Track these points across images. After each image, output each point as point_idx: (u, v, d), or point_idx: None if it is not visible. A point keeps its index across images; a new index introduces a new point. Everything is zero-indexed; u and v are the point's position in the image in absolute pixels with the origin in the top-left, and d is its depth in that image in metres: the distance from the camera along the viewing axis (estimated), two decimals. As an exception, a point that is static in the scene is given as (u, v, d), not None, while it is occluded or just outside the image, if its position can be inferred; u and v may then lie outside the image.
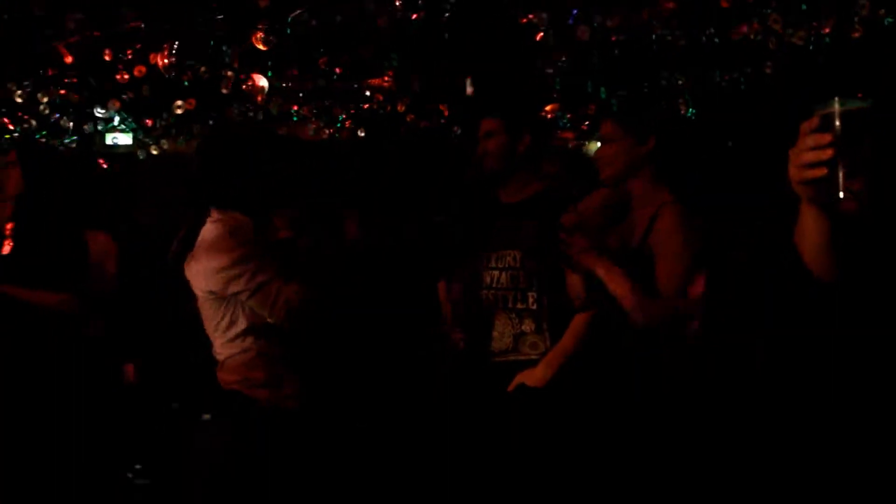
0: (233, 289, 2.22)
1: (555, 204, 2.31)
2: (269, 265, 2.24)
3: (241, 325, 2.27)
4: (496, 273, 2.52)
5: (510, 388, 2.44)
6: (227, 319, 2.27)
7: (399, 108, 7.07)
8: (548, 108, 7.10)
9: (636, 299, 1.97)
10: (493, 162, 2.54)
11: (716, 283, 2.01)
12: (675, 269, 1.98)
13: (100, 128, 7.07)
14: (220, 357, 2.33)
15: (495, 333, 2.51)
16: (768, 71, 5.87)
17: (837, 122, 1.15)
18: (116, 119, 6.95)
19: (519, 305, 2.49)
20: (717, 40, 5.47)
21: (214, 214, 2.31)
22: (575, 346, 2.33)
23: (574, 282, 2.33)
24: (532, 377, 2.41)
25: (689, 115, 6.66)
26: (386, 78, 6.80)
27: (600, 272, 2.03)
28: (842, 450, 2.90)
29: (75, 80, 5.85)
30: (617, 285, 2.00)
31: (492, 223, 2.57)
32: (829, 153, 1.15)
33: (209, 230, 2.26)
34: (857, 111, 1.16)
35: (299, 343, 2.25)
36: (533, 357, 2.45)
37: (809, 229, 1.28)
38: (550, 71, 6.05)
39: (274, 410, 2.24)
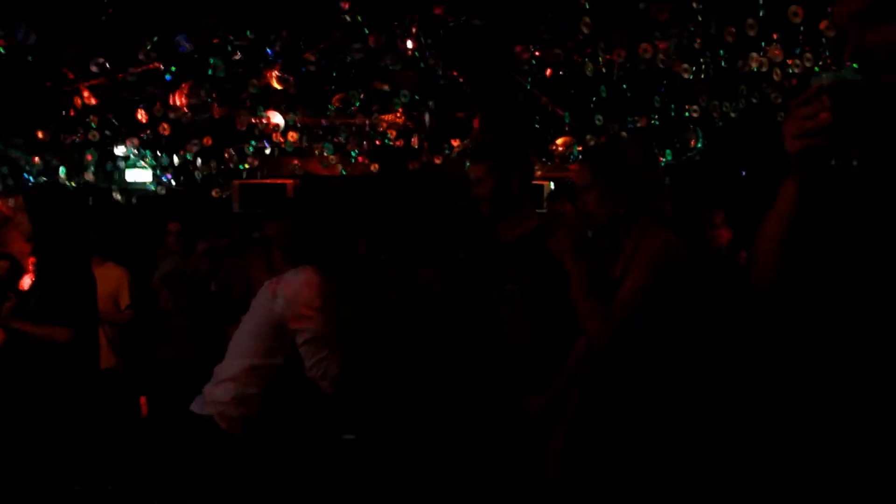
0: (301, 325, 2.33)
1: (550, 237, 2.34)
2: (333, 324, 2.38)
3: (278, 360, 2.36)
4: (498, 307, 2.56)
5: (511, 415, 2.47)
6: (269, 347, 2.37)
7: (413, 142, 7.20)
8: (559, 141, 7.17)
9: (580, 293, 2.04)
10: (489, 205, 2.60)
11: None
12: (629, 282, 2.00)
13: (119, 165, 7.24)
14: (225, 375, 2.39)
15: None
16: (777, 101, 5.91)
17: (831, 94, 1.16)
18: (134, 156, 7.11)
19: (519, 340, 2.52)
20: (722, 73, 5.53)
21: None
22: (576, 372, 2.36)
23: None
24: (534, 404, 2.44)
25: (698, 146, 6.70)
26: (398, 113, 6.93)
27: (567, 265, 2.10)
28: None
29: (96, 119, 6.01)
30: (573, 278, 2.07)
31: (492, 260, 2.62)
32: (822, 121, 1.16)
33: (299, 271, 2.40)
34: (851, 82, 1.17)
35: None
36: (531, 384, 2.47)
37: (781, 209, 1.28)
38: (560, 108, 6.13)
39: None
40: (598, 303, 2.03)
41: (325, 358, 2.34)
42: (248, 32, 5.22)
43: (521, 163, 2.69)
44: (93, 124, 5.99)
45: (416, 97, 6.30)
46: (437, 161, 7.29)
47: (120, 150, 6.90)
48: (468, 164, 2.75)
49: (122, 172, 7.58)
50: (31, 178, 6.69)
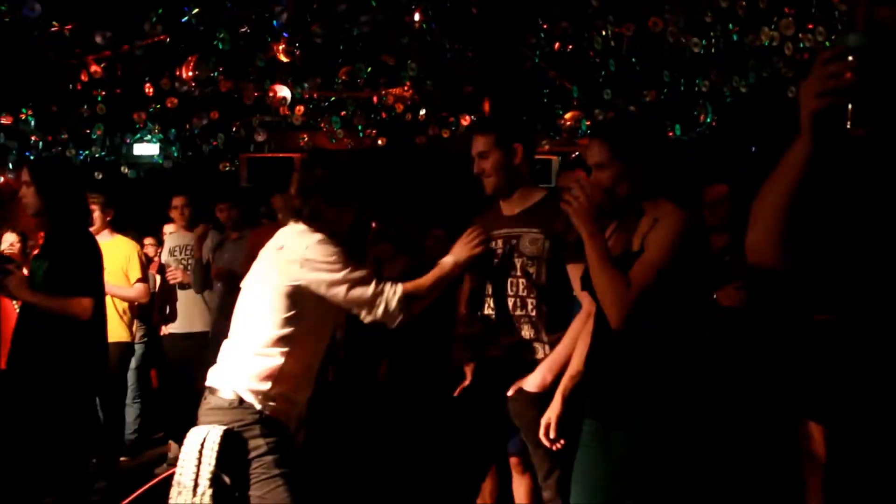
0: (327, 290, 2.24)
1: (555, 212, 2.33)
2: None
3: (302, 329, 2.27)
4: (500, 280, 2.58)
5: (510, 392, 2.49)
6: (287, 318, 2.26)
7: (420, 117, 7.16)
8: (567, 116, 7.13)
9: (599, 264, 2.00)
10: (493, 179, 2.59)
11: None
12: (648, 256, 1.97)
13: (127, 139, 7.25)
14: (245, 353, 2.28)
15: (496, 339, 2.56)
16: (789, 75, 5.84)
17: (858, 54, 1.14)
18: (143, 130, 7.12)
19: (518, 312, 2.55)
20: (734, 47, 5.46)
21: (298, 225, 2.36)
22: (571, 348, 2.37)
23: (575, 276, 2.37)
24: (531, 382, 2.45)
25: (708, 121, 6.64)
26: (406, 87, 6.90)
27: (584, 233, 2.05)
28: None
29: (104, 92, 6.01)
30: (590, 248, 2.03)
31: (493, 233, 2.61)
32: (846, 80, 1.15)
33: (303, 231, 2.32)
34: (876, 46, 1.15)
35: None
36: (530, 361, 2.49)
37: (785, 174, 1.26)
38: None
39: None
40: (620, 273, 1.99)
41: (376, 293, 2.27)
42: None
43: (524, 136, 2.68)
44: (99, 97, 5.98)
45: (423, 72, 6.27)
46: (445, 135, 7.27)
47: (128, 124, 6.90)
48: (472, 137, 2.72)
49: (130, 146, 7.59)
50: (35, 154, 6.71)
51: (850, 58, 1.15)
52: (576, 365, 2.34)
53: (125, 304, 4.64)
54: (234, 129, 6.87)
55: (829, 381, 2.95)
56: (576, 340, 2.40)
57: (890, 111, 1.20)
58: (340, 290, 2.28)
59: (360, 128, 7.17)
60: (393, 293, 2.31)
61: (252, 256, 2.49)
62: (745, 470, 3.40)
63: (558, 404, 2.35)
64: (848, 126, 1.17)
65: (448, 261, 2.49)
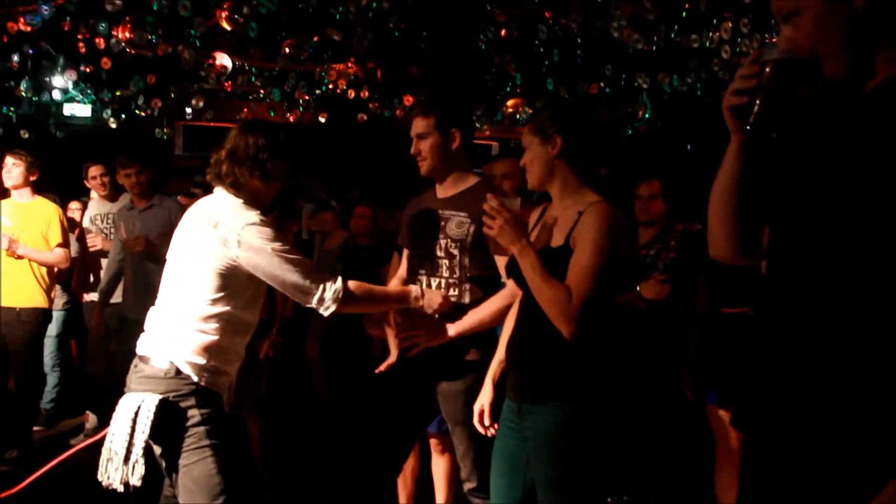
0: (264, 272, 2.24)
1: (484, 197, 2.35)
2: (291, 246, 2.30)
3: (234, 304, 2.26)
4: (426, 262, 2.60)
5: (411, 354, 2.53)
6: (220, 295, 2.24)
7: (362, 94, 7.09)
8: (510, 103, 7.17)
9: (537, 279, 2.03)
10: (429, 161, 2.60)
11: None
12: (583, 263, 2.01)
13: (57, 98, 6.97)
14: (177, 325, 2.25)
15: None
16: (724, 78, 6.00)
17: (771, 65, 1.25)
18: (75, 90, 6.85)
19: (443, 293, 2.54)
20: (674, 46, 5.58)
21: (222, 195, 2.34)
22: (490, 318, 2.43)
23: (500, 263, 2.40)
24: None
25: (646, 117, 6.78)
26: (350, 63, 6.82)
27: (514, 252, 2.09)
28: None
29: (32, 49, 5.76)
30: (525, 264, 2.06)
31: (425, 216, 2.63)
32: (752, 83, 1.26)
33: (237, 206, 2.30)
34: (797, 59, 1.26)
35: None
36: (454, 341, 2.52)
37: (727, 159, 1.35)
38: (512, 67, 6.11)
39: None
40: (559, 285, 2.03)
41: (314, 282, 2.27)
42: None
43: (464, 122, 2.69)
44: (27, 52, 5.73)
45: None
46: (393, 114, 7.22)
47: (58, 83, 6.62)
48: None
49: (60, 106, 7.30)
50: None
51: (767, 68, 1.26)
52: (504, 350, 2.37)
53: (44, 270, 4.47)
54: (170, 94, 6.68)
55: (736, 370, 3.09)
56: (495, 311, 2.44)
57: (793, 119, 1.29)
58: (277, 275, 2.27)
59: (300, 102, 7.06)
60: (331, 286, 2.31)
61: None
62: (657, 455, 3.52)
63: (489, 390, 2.38)
64: (749, 123, 1.28)
65: (410, 291, 2.52)
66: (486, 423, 2.37)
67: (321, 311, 2.33)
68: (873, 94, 1.25)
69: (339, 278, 2.34)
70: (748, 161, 1.34)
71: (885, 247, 1.17)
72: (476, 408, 2.40)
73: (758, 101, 1.26)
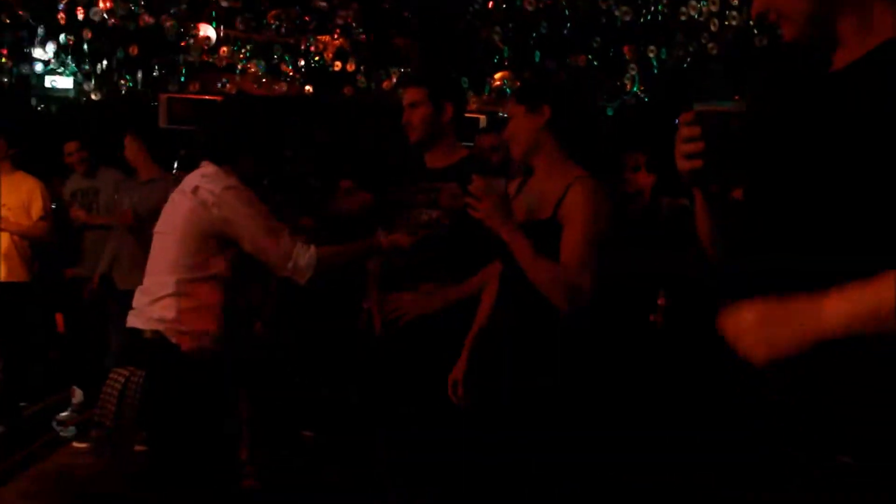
0: (240, 236, 2.27)
1: (476, 170, 2.34)
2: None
3: (215, 269, 2.30)
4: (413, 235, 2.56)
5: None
6: (201, 259, 2.28)
7: (349, 67, 7.01)
8: (497, 76, 7.11)
9: (531, 262, 2.01)
10: (419, 131, 2.59)
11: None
12: (578, 239, 2.00)
13: (38, 70, 6.84)
14: (161, 293, 2.29)
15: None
16: (713, 52, 5.97)
17: (706, 121, 1.21)
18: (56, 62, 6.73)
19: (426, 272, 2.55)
20: (662, 18, 5.55)
21: (209, 167, 2.36)
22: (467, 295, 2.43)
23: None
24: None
25: (634, 90, 6.74)
26: (336, 35, 6.73)
27: (504, 234, 2.05)
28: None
29: (10, 19, 5.65)
30: (516, 247, 2.04)
31: (415, 186, 2.62)
32: (699, 146, 1.22)
33: (216, 173, 2.32)
34: (729, 112, 1.22)
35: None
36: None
37: (698, 213, 1.34)
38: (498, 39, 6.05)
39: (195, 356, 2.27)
40: (553, 265, 2.01)
41: (289, 247, 2.30)
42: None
43: (457, 96, 2.68)
44: (5, 21, 5.62)
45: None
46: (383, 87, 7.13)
47: (38, 54, 6.51)
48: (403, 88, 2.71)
49: (42, 78, 7.17)
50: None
51: (697, 125, 1.22)
52: (480, 323, 2.37)
53: (25, 243, 4.44)
54: (153, 66, 6.58)
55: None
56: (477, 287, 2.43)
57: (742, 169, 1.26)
58: (253, 238, 2.30)
59: (285, 74, 6.98)
60: (305, 250, 2.33)
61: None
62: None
63: (464, 362, 2.38)
64: (710, 183, 1.27)
65: (378, 240, 2.53)
66: (459, 393, 2.36)
67: (297, 278, 2.34)
68: (864, 63, 1.17)
69: (312, 245, 2.36)
70: (718, 211, 1.33)
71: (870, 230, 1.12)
72: (450, 379, 2.39)
73: (710, 160, 1.22)
